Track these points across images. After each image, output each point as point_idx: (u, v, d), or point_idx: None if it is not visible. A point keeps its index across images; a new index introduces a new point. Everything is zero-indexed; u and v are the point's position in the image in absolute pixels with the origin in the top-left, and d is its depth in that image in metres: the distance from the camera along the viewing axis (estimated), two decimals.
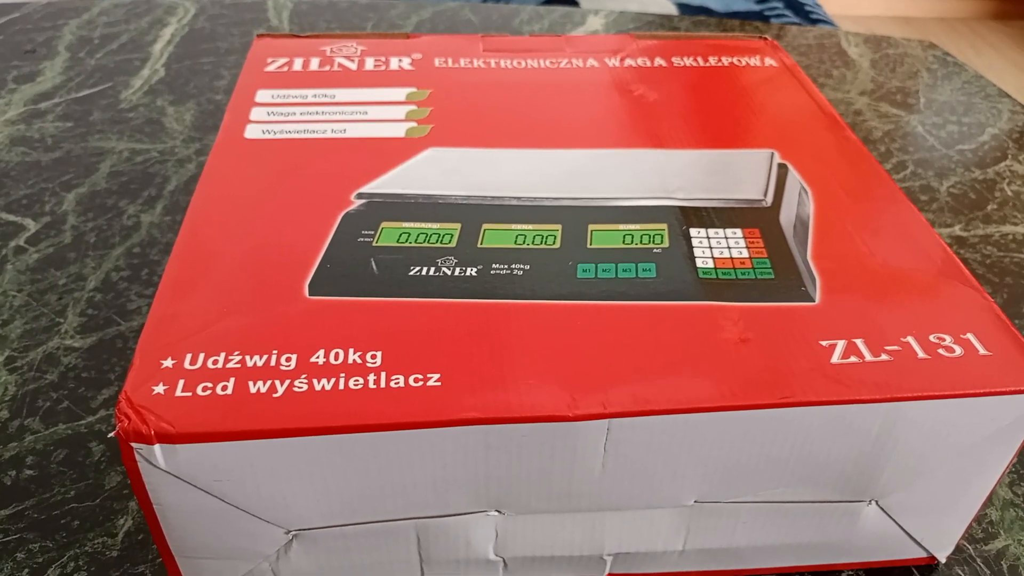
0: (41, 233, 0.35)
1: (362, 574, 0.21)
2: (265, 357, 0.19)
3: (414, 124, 0.29)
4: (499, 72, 0.32)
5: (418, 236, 0.23)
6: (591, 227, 0.24)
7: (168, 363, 0.19)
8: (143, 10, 0.56)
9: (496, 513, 0.20)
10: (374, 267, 0.22)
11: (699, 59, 0.34)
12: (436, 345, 0.20)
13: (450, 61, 0.33)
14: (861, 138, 0.45)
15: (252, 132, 0.28)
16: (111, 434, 0.18)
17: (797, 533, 0.22)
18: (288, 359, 0.19)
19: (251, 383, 0.19)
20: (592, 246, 0.23)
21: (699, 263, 0.23)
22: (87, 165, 0.40)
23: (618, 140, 0.28)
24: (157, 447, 0.18)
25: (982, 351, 0.20)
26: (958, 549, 0.25)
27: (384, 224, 0.24)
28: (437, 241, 0.23)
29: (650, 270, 0.22)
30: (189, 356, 0.19)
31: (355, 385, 0.19)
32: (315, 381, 0.19)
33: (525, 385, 0.19)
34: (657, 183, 0.26)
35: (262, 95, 0.30)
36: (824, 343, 0.20)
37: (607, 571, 0.23)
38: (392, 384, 0.19)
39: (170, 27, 0.54)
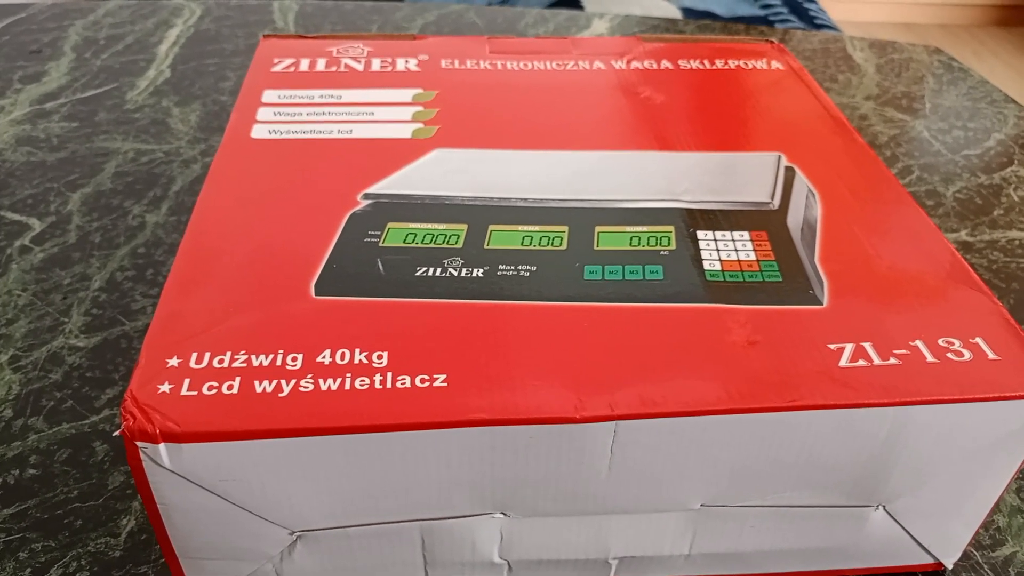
0: (46, 233, 0.35)
1: (366, 575, 0.21)
2: (271, 357, 0.19)
3: (420, 125, 0.29)
4: (505, 74, 0.32)
5: (424, 237, 0.23)
6: (598, 229, 0.24)
7: (174, 362, 0.19)
8: (149, 11, 0.56)
9: (501, 515, 0.20)
10: (380, 267, 0.22)
11: (705, 62, 0.34)
12: (442, 346, 0.20)
13: (457, 62, 0.33)
14: (867, 143, 0.45)
15: (259, 132, 0.28)
16: (116, 432, 0.18)
17: (804, 538, 0.22)
18: (294, 359, 0.19)
19: (257, 382, 0.19)
20: (599, 248, 0.23)
21: (706, 265, 0.23)
22: (92, 165, 0.40)
23: (625, 142, 0.28)
24: (162, 446, 0.18)
25: (991, 355, 0.20)
26: (965, 556, 0.24)
27: (391, 224, 0.24)
28: (443, 242, 0.23)
29: (657, 272, 0.22)
30: (195, 355, 0.19)
31: (361, 385, 0.19)
32: (321, 381, 0.19)
33: (531, 386, 0.19)
34: (664, 185, 0.26)
35: (268, 95, 0.30)
36: (832, 346, 0.20)
37: (612, 574, 0.23)
38: (398, 384, 0.19)
39: (176, 28, 0.54)
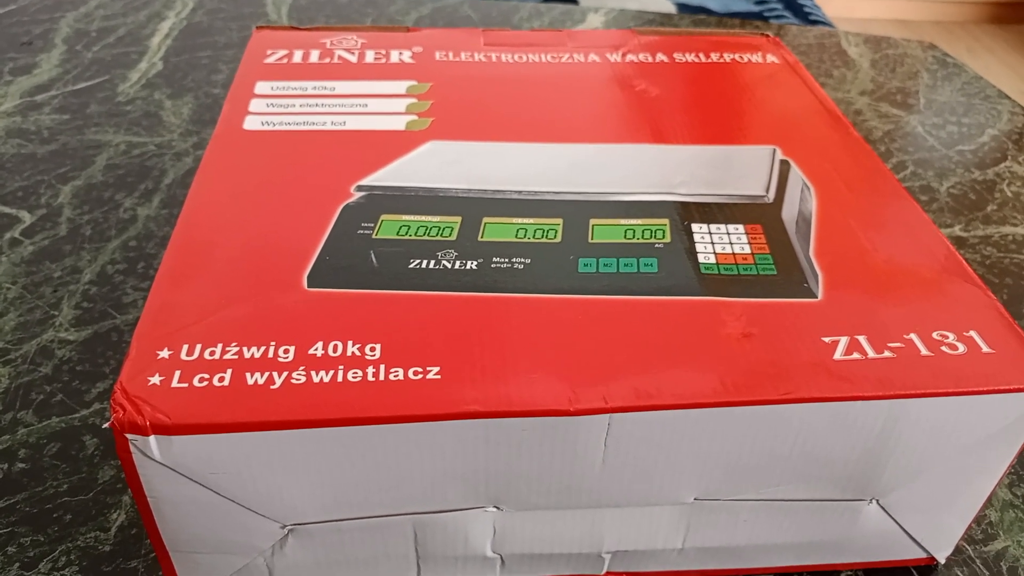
0: (36, 225, 0.35)
1: (358, 569, 0.21)
2: (263, 348, 0.19)
3: (414, 117, 0.29)
4: (500, 66, 0.32)
5: (418, 229, 0.23)
6: (593, 222, 0.24)
7: (165, 354, 0.19)
8: (141, 3, 0.56)
9: (494, 509, 0.20)
10: (373, 259, 0.22)
11: (701, 55, 0.34)
12: (435, 338, 0.20)
13: (451, 55, 0.33)
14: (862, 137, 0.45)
15: (251, 123, 0.28)
16: (105, 425, 0.18)
17: (797, 532, 0.22)
18: (286, 351, 0.19)
19: (248, 375, 0.18)
20: (594, 240, 0.23)
21: (701, 258, 0.22)
22: (83, 158, 0.40)
23: (620, 135, 0.28)
24: (152, 438, 0.17)
25: (985, 349, 0.20)
26: (957, 550, 0.24)
27: (384, 217, 0.24)
28: (437, 234, 0.23)
29: (652, 265, 0.22)
30: (186, 347, 0.19)
31: (354, 377, 0.18)
32: (313, 373, 0.18)
33: (525, 379, 0.19)
34: (659, 178, 0.26)
35: (261, 87, 0.30)
36: (827, 339, 0.20)
37: (605, 568, 0.22)
38: (391, 377, 0.18)
39: (168, 21, 0.54)
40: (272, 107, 0.29)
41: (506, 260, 0.22)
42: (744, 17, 0.87)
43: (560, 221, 0.24)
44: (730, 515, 0.21)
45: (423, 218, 0.24)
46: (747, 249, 0.23)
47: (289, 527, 0.20)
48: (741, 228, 0.24)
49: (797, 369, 0.19)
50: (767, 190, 0.25)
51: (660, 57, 0.34)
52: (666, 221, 0.24)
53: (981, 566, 0.24)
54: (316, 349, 0.19)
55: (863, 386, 0.19)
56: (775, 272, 0.22)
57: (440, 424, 0.18)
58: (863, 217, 0.24)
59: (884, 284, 0.22)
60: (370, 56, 0.32)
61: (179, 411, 0.17)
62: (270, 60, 0.32)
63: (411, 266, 0.22)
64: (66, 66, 0.48)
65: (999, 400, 0.19)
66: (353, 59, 0.32)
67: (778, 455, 0.20)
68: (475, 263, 0.22)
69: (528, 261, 0.22)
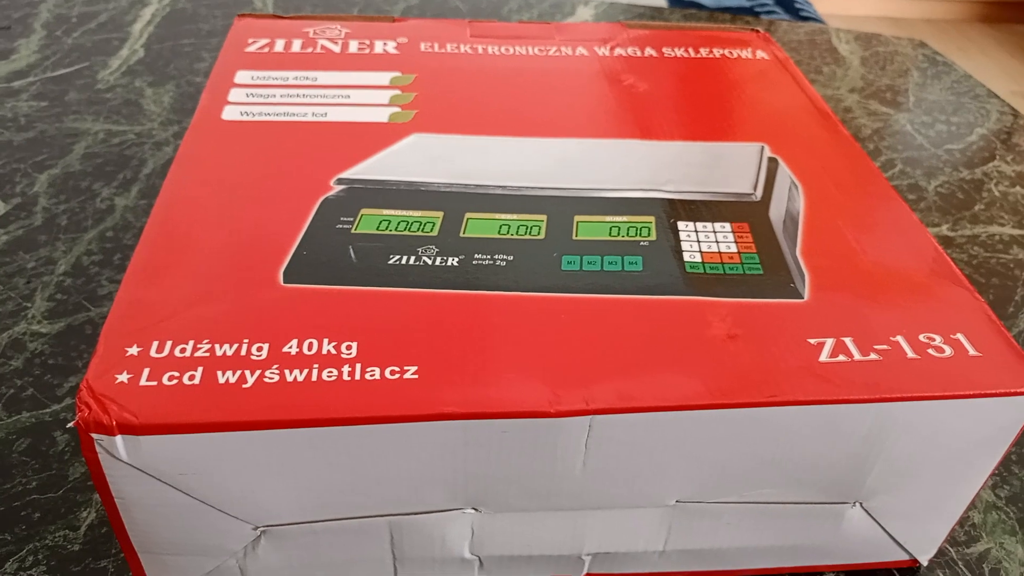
0: (11, 215, 0.34)
1: (333, 572, 0.21)
2: (235, 346, 0.19)
3: (398, 109, 0.28)
4: (486, 58, 0.32)
5: (399, 224, 0.23)
6: (577, 218, 0.23)
7: (133, 351, 0.18)
8: None
9: (472, 511, 0.20)
10: (352, 255, 0.21)
11: (690, 50, 0.33)
12: (414, 337, 0.19)
13: (436, 46, 0.32)
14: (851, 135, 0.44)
15: (230, 114, 0.27)
16: (70, 424, 0.17)
17: (779, 534, 0.22)
18: (259, 348, 0.19)
19: (220, 373, 0.18)
20: (578, 238, 0.23)
21: (686, 257, 0.22)
22: (61, 146, 0.39)
23: (606, 130, 0.28)
24: (119, 438, 0.17)
25: (972, 352, 0.20)
26: (940, 552, 0.24)
27: (364, 211, 0.23)
28: (418, 229, 0.22)
29: (636, 263, 0.22)
30: (156, 344, 0.18)
31: (329, 377, 0.18)
32: (287, 372, 0.18)
33: (505, 380, 0.18)
34: (645, 175, 0.25)
35: (241, 76, 0.29)
36: (813, 341, 0.20)
37: (585, 570, 0.22)
38: (367, 376, 0.18)
39: (151, 7, 0.53)
40: (252, 97, 0.28)
41: (488, 257, 0.22)
42: (735, 12, 0.86)
43: (544, 217, 0.23)
44: (713, 518, 0.21)
45: (404, 213, 0.23)
46: (733, 248, 0.23)
47: (262, 529, 0.19)
48: (728, 226, 0.23)
49: (783, 371, 0.19)
50: (755, 188, 0.25)
51: (649, 51, 0.33)
52: (652, 218, 0.23)
53: (964, 568, 0.24)
54: (290, 347, 0.19)
55: (849, 389, 0.19)
56: (761, 272, 0.22)
57: (417, 425, 0.18)
58: (851, 217, 0.24)
59: (871, 285, 0.22)
60: (354, 46, 0.32)
61: (147, 410, 0.17)
62: (251, 49, 0.31)
63: (390, 262, 0.21)
64: (45, 52, 0.47)
65: (986, 405, 0.19)
66: (336, 49, 0.32)
67: (762, 458, 0.19)
68: (456, 260, 0.21)
69: (511, 258, 0.22)
